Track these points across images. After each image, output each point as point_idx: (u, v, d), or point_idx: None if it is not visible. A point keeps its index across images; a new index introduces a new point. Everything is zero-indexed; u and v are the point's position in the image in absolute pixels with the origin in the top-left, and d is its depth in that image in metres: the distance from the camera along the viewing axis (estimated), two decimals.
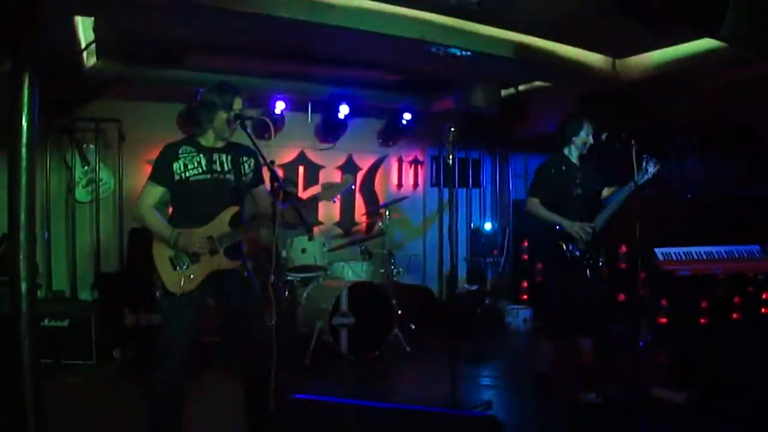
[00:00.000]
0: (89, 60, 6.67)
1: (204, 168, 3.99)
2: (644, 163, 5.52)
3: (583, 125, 5.69)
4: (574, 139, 5.70)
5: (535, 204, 5.66)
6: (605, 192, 5.80)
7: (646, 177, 5.54)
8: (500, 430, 2.84)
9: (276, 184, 3.85)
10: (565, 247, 5.53)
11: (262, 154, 4.02)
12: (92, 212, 8.16)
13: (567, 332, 5.69)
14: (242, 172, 4.11)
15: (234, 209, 4.06)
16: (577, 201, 5.64)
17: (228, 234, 4.00)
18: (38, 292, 5.76)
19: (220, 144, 4.10)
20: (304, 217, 3.91)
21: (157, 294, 4.17)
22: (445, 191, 10.61)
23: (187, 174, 3.96)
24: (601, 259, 5.67)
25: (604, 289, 6.00)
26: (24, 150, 4.22)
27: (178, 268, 3.93)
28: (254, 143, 4.00)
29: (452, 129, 4.47)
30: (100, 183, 8.14)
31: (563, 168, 5.68)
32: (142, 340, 6.79)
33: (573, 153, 5.74)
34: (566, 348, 5.73)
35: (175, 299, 3.90)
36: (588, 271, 5.56)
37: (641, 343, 7.07)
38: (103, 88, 7.45)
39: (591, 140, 5.70)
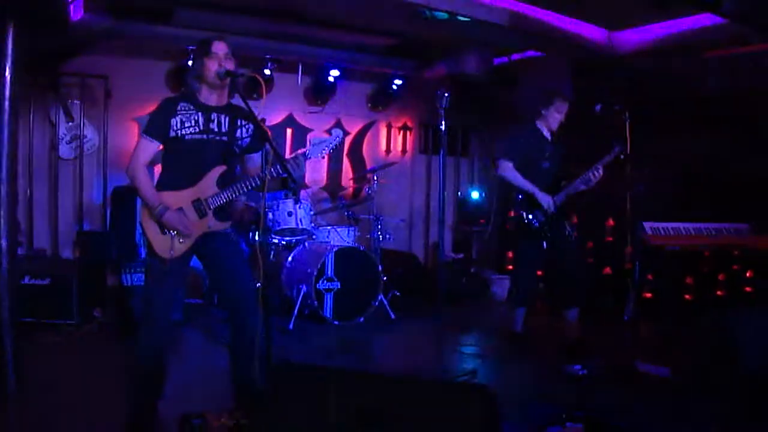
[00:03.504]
0: (76, 13, 6.52)
1: (201, 127, 3.85)
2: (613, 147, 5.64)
3: (553, 101, 5.71)
4: (543, 112, 5.78)
5: (509, 168, 5.77)
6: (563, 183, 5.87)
7: (607, 160, 5.65)
8: (492, 399, 2.80)
9: (269, 146, 3.77)
10: (525, 218, 5.71)
11: (257, 119, 3.89)
12: (76, 170, 8.05)
13: (529, 299, 6.07)
14: (238, 135, 3.99)
15: (221, 169, 3.92)
16: (544, 174, 5.78)
17: (216, 195, 3.88)
18: (19, 250, 5.69)
19: (219, 103, 3.96)
20: (293, 176, 3.83)
21: (144, 255, 4.07)
22: (434, 158, 10.54)
23: (183, 132, 3.81)
24: (567, 229, 5.85)
25: (577, 257, 6.22)
26: (6, 103, 4.14)
27: (167, 231, 3.81)
28: (246, 102, 3.86)
29: (446, 94, 4.39)
30: (85, 140, 8.01)
31: (534, 139, 5.81)
32: (124, 301, 6.73)
33: (543, 127, 5.83)
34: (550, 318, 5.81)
35: (162, 262, 3.81)
36: (545, 243, 5.77)
37: (626, 317, 7.08)
38: (90, 42, 7.32)
39: (562, 118, 5.75)
